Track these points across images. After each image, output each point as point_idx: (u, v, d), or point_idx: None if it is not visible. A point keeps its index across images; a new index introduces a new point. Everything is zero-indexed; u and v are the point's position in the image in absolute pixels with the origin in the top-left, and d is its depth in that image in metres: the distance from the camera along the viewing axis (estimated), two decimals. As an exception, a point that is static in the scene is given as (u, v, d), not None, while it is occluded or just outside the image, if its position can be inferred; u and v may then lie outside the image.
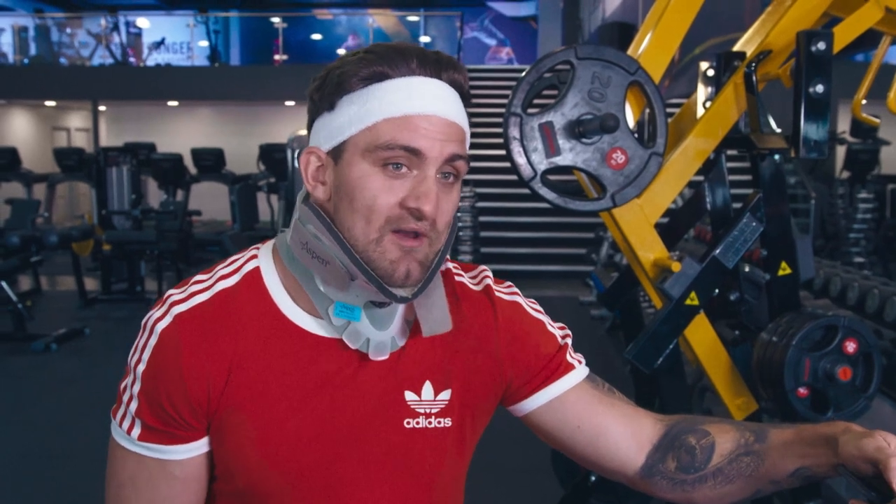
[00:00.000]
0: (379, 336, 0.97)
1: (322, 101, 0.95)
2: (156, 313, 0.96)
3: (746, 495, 1.02)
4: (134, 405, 0.95)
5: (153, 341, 0.95)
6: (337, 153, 0.94)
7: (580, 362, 1.10)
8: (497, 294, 1.08)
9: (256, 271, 0.99)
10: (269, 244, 1.03)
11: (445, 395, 1.01)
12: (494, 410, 1.10)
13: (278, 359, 0.96)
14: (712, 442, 1.03)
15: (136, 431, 0.95)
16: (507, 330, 1.06)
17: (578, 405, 1.07)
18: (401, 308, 1.00)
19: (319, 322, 0.98)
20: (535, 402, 1.07)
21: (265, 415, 0.95)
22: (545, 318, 1.11)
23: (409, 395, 1.00)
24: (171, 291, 0.98)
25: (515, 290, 1.11)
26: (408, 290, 0.94)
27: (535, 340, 1.07)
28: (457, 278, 1.08)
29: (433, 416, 1.00)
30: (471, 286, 1.08)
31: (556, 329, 1.11)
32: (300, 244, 0.97)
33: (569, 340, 1.11)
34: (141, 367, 0.95)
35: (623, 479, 1.08)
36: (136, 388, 0.95)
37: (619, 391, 1.12)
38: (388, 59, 0.92)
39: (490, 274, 1.11)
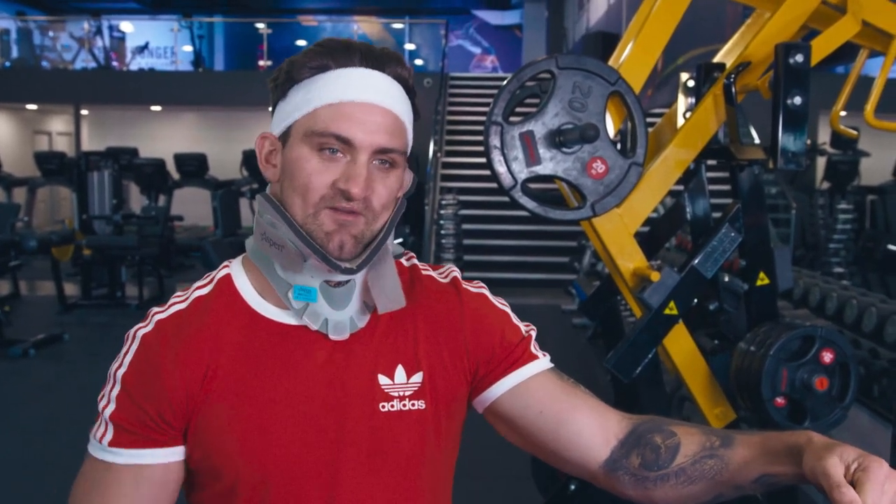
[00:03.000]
0: (336, 315, 1.02)
1: (277, 91, 1.04)
2: (139, 325, 1.02)
3: (708, 498, 1.02)
4: (110, 409, 0.98)
5: (135, 346, 1.00)
6: (285, 137, 1.03)
7: (544, 355, 1.13)
8: (464, 286, 1.13)
9: (227, 277, 1.06)
10: (241, 256, 1.10)
11: (417, 378, 1.05)
12: (467, 403, 1.12)
13: (253, 351, 1.00)
14: (677, 442, 1.03)
15: (108, 437, 0.97)
16: (473, 318, 1.10)
17: (541, 392, 1.08)
18: (358, 290, 1.05)
19: (288, 313, 1.03)
20: (498, 390, 1.09)
21: (243, 405, 0.98)
22: (510, 312, 1.14)
23: (383, 379, 1.03)
24: (153, 308, 1.04)
25: (483, 285, 1.15)
26: (352, 263, 0.99)
27: (499, 329, 1.10)
28: (423, 272, 1.13)
29: (407, 399, 1.03)
30: (438, 279, 1.13)
31: (520, 323, 1.14)
32: (260, 236, 1.04)
33: (532, 334, 1.14)
34: (122, 371, 0.99)
35: (586, 474, 1.08)
36: (115, 391, 0.98)
37: (584, 387, 1.13)
38: (334, 53, 1.01)
39: (457, 271, 1.15)
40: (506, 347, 1.09)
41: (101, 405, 0.99)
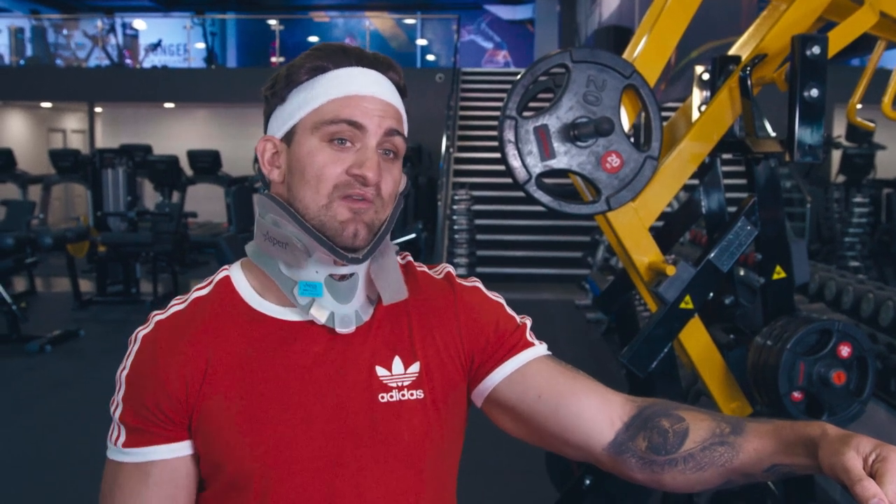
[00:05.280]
0: (343, 309, 1.04)
1: (274, 97, 1.06)
2: (141, 327, 1.06)
3: (717, 484, 1.01)
4: (119, 411, 1.02)
5: (136, 347, 1.04)
6: (289, 137, 1.05)
7: (541, 343, 1.13)
8: (458, 280, 1.15)
9: (226, 279, 1.09)
10: (240, 261, 1.12)
11: (414, 367, 1.06)
12: (468, 397, 1.13)
13: (252, 347, 1.02)
14: (686, 427, 1.03)
15: (122, 438, 1.02)
16: (466, 310, 1.12)
17: (538, 377, 1.09)
18: (361, 283, 1.07)
19: (289, 309, 1.05)
20: (495, 378, 1.10)
21: (245, 399, 1.00)
22: (504, 303, 1.16)
23: (381, 371, 1.05)
24: (154, 311, 1.07)
25: (477, 280, 1.17)
26: (358, 253, 1.01)
27: (493, 319, 1.12)
28: (418, 268, 1.16)
29: (405, 389, 1.05)
30: (433, 275, 1.16)
31: (514, 313, 1.16)
32: (263, 236, 1.05)
33: (528, 323, 1.15)
34: (125, 373, 1.03)
35: (591, 458, 1.08)
36: (121, 393, 1.02)
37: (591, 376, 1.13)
38: (332, 56, 1.04)
39: (452, 268, 1.17)
40: (500, 336, 1.11)
41: (112, 409, 1.03)
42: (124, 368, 1.02)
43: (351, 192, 1.00)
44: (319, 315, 1.03)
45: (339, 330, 1.03)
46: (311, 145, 1.02)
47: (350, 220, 1.00)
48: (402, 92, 1.09)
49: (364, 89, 1.03)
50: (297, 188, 1.02)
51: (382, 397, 1.03)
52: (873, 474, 0.81)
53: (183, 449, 1.01)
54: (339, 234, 1.00)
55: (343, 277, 1.05)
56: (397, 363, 1.06)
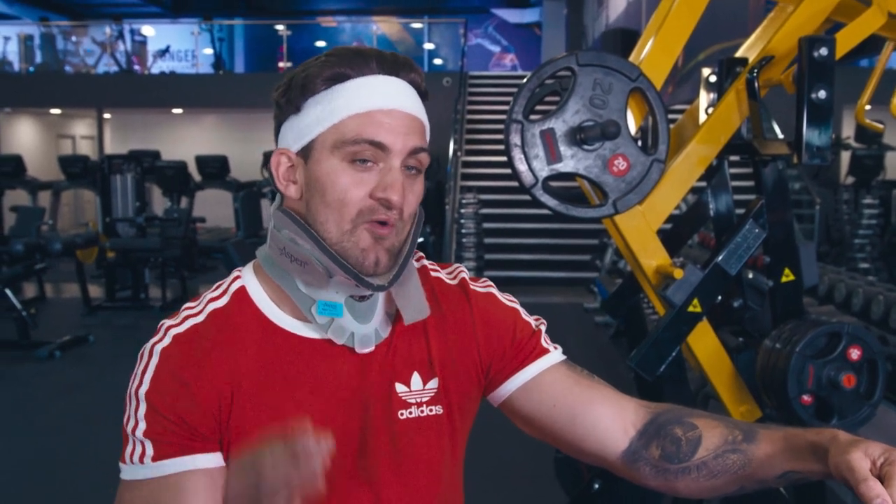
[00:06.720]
0: (362, 329, 1.01)
1: (288, 105, 1.00)
2: (154, 340, 0.99)
3: (730, 491, 1.02)
4: (141, 428, 0.95)
5: (154, 361, 0.97)
6: (306, 152, 0.99)
7: (556, 348, 1.13)
8: (472, 287, 1.13)
9: (242, 289, 1.03)
10: (251, 264, 1.07)
11: (433, 384, 1.05)
12: (479, 403, 1.12)
13: (276, 366, 0.99)
14: (699, 435, 1.03)
15: (150, 453, 0.94)
16: (482, 318, 1.10)
17: (555, 385, 1.08)
18: (381, 301, 1.04)
19: (307, 325, 1.01)
20: (511, 386, 1.09)
21: (268, 418, 0.97)
22: (519, 308, 1.14)
23: (400, 387, 1.03)
24: (164, 321, 1.01)
25: (490, 283, 1.15)
26: (382, 279, 0.98)
27: (509, 326, 1.11)
28: (433, 274, 1.13)
29: (424, 405, 1.04)
30: (447, 281, 1.13)
31: (530, 318, 1.14)
32: (278, 250, 1.01)
33: (543, 328, 1.14)
34: (143, 389, 0.95)
35: (605, 464, 1.08)
36: (141, 411, 0.95)
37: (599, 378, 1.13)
38: (349, 61, 0.98)
39: (465, 270, 1.15)
40: (516, 344, 1.10)
41: (129, 428, 0.95)
42: (141, 384, 0.95)
43: (375, 218, 0.96)
44: (338, 336, 1.00)
45: (358, 350, 1.01)
46: (332, 165, 0.96)
47: (371, 248, 0.96)
48: (424, 95, 1.04)
49: (387, 102, 0.97)
50: (317, 209, 0.98)
51: (402, 414, 1.02)
52: (882, 478, 0.81)
53: (214, 460, 0.96)
54: (360, 263, 0.96)
55: (363, 297, 1.02)
56: (416, 379, 1.04)
